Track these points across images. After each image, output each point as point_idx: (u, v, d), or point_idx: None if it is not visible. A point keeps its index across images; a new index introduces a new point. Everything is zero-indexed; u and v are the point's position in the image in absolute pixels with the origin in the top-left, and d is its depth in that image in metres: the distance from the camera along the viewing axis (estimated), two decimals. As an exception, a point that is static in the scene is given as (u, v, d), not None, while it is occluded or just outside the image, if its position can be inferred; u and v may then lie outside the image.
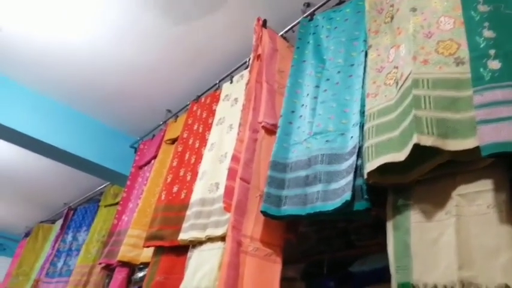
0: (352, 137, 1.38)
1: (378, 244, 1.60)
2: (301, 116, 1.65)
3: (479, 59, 1.04)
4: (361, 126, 1.34)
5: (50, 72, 3.09)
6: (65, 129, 3.35)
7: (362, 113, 1.36)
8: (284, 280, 1.55)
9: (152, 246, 2.21)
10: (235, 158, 1.72)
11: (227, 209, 1.64)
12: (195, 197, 2.07)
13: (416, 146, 1.05)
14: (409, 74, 1.18)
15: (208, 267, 1.71)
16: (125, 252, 2.48)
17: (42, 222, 5.59)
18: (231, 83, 2.50)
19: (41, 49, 2.89)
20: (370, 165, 1.17)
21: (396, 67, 1.30)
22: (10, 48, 2.92)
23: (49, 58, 2.96)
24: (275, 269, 1.53)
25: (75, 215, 4.45)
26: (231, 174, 1.69)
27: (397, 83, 1.27)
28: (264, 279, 1.50)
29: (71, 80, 3.14)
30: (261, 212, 1.49)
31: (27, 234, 5.99)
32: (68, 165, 3.61)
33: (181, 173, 2.39)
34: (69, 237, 4.18)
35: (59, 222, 4.81)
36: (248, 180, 1.62)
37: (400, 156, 1.12)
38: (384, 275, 1.46)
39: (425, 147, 1.04)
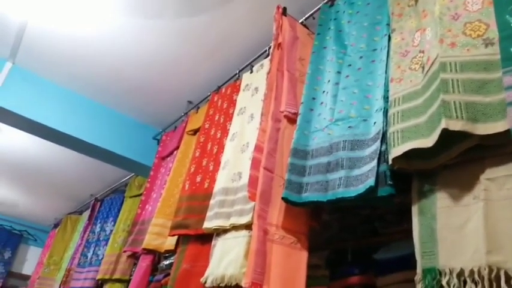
0: (375, 122, 1.36)
1: (402, 231, 1.58)
2: (322, 102, 1.63)
3: (510, 39, 1.00)
4: (385, 112, 1.31)
5: (75, 68, 3.15)
6: (91, 123, 3.42)
7: (385, 98, 1.34)
8: (308, 267, 1.55)
9: (178, 234, 2.25)
10: (258, 148, 1.72)
11: (252, 198, 1.64)
12: (218, 186, 2.09)
13: (445, 131, 1.02)
14: (436, 58, 1.15)
15: (234, 254, 1.72)
16: (150, 240, 2.52)
17: (70, 213, 5.74)
18: (251, 72, 2.49)
19: (65, 45, 2.94)
20: (396, 151, 1.15)
21: (422, 51, 1.27)
22: (37, 45, 2.98)
23: (74, 54, 3.01)
24: (301, 256, 1.54)
25: (102, 206, 4.54)
26: (255, 163, 1.69)
27: (423, 68, 1.23)
28: (291, 267, 1.50)
29: (95, 74, 3.19)
30: (282, 198, 1.49)
31: (56, 225, 6.18)
32: (93, 158, 3.69)
33: (204, 163, 2.41)
34: (97, 228, 4.28)
35: (86, 214, 4.92)
36: (272, 169, 1.61)
37: (428, 142, 1.09)
38: (409, 262, 1.45)
39: (453, 132, 1.02)
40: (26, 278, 6.84)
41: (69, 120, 3.30)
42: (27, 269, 7.09)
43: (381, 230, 1.68)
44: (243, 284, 1.44)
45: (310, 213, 1.62)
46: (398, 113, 1.21)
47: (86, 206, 5.36)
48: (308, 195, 1.44)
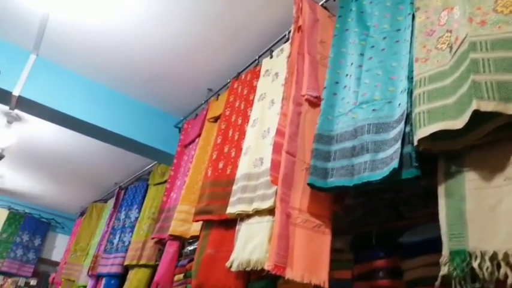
0: (399, 104, 1.33)
1: (428, 214, 1.55)
2: (345, 86, 1.61)
3: (543, 13, 0.95)
4: (409, 93, 1.28)
5: (96, 58, 3.19)
6: (113, 112, 3.47)
7: (410, 79, 1.30)
8: (332, 251, 1.55)
9: (201, 220, 2.27)
10: (279, 132, 1.71)
11: (274, 182, 1.64)
12: (240, 172, 2.10)
13: (476, 112, 0.99)
14: (465, 38, 1.11)
15: (259, 239, 1.73)
16: (176, 226, 2.56)
17: (95, 201, 5.88)
18: (271, 57, 2.47)
19: (87, 36, 2.98)
20: (422, 132, 1.12)
21: (449, 31, 1.23)
22: (59, 37, 3.02)
23: (95, 44, 3.04)
24: (325, 239, 1.54)
25: (126, 194, 4.63)
26: (277, 148, 1.68)
27: (451, 48, 1.20)
28: (314, 250, 1.51)
29: (116, 64, 3.23)
30: (308, 184, 1.48)
31: (82, 214, 6.34)
32: (117, 147, 3.75)
33: (226, 150, 2.42)
34: (122, 215, 4.37)
35: (111, 201, 5.03)
36: (294, 153, 1.61)
37: (457, 123, 1.06)
38: (434, 245, 1.42)
39: (484, 113, 0.99)
40: (55, 264, 7.08)
41: (92, 110, 3.36)
42: (56, 255, 7.33)
43: (406, 213, 1.66)
44: (265, 267, 1.45)
45: (333, 198, 1.61)
46: (424, 93, 1.18)
47: (110, 194, 5.47)
48: (334, 181, 1.43)
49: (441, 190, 1.15)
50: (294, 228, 1.51)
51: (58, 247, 7.46)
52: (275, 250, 1.44)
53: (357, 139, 1.42)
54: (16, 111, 3.60)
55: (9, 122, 4.11)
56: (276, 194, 1.70)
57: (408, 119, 1.24)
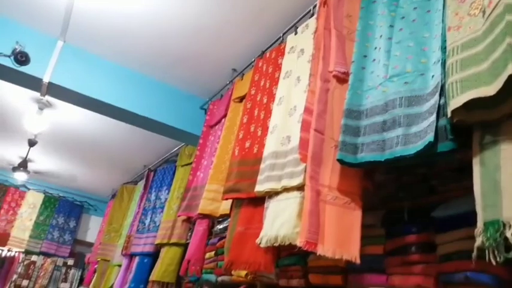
0: (433, 76, 1.29)
1: (462, 188, 1.52)
2: (374, 59, 1.57)
3: None
4: (443, 63, 1.24)
5: (122, 42, 3.22)
6: (140, 95, 3.52)
7: (443, 49, 1.26)
8: (363, 227, 1.54)
9: (230, 198, 2.31)
10: (307, 110, 1.69)
11: (303, 160, 1.64)
12: (267, 150, 2.11)
13: (511, 78, 0.95)
14: (499, 0, 1.06)
15: (286, 215, 1.75)
16: (205, 205, 2.60)
17: (125, 184, 6.02)
18: (295, 34, 2.43)
19: (111, 20, 3.00)
20: (455, 102, 1.08)
21: (483, -5, 1.17)
22: (84, 22, 3.06)
23: (120, 28, 3.07)
24: (355, 216, 1.53)
25: (156, 176, 4.73)
26: (305, 125, 1.67)
27: (483, 12, 1.14)
28: (344, 226, 1.51)
29: (141, 47, 3.25)
30: (337, 160, 1.47)
31: (113, 196, 6.53)
32: (145, 129, 3.81)
33: (252, 129, 2.42)
34: (153, 197, 4.47)
35: (141, 183, 5.15)
36: (322, 131, 1.60)
37: (490, 90, 1.02)
38: (469, 219, 1.40)
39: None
40: (89, 244, 7.36)
41: (119, 94, 3.41)
42: (90, 236, 7.60)
43: (438, 188, 1.63)
44: (297, 243, 1.46)
45: (364, 174, 1.60)
46: (456, 62, 1.14)
47: (140, 176, 5.59)
48: (364, 156, 1.41)
49: (476, 161, 1.12)
50: (324, 206, 1.51)
51: (92, 228, 7.73)
52: (306, 227, 1.45)
53: (387, 113, 1.39)
54: (47, 97, 3.70)
55: (41, 109, 4.22)
56: (304, 171, 1.70)
57: (442, 90, 1.20)
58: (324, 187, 1.54)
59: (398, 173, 1.76)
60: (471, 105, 1.09)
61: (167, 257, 3.66)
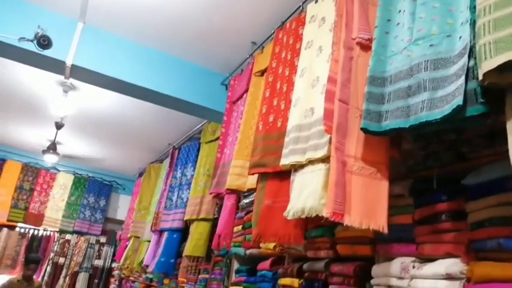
0: (460, 37, 1.25)
1: (494, 154, 1.49)
2: (398, 23, 1.52)
3: None
4: (472, 24, 1.19)
5: (140, 21, 3.22)
6: (161, 74, 3.53)
7: (472, 8, 1.21)
8: (391, 197, 1.54)
9: (256, 173, 2.33)
10: (331, 80, 1.67)
11: (328, 131, 1.64)
12: (291, 124, 2.10)
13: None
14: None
15: (312, 187, 1.76)
16: (232, 181, 2.64)
17: (151, 162, 6.16)
18: (315, 2, 2.37)
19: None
20: (488, 65, 1.04)
21: None
22: (104, 3, 3.07)
23: (137, 7, 3.06)
24: (382, 186, 1.53)
25: (180, 154, 4.81)
26: (329, 96, 1.66)
27: (517, -34, 1.08)
28: (371, 197, 1.51)
29: (160, 25, 3.24)
30: (361, 129, 1.46)
31: (140, 174, 6.69)
32: (167, 108, 3.84)
33: (275, 103, 2.42)
34: (179, 174, 4.56)
35: (167, 161, 5.25)
36: (347, 101, 1.58)
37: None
38: (503, 184, 1.37)
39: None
40: (120, 222, 7.61)
41: (141, 73, 3.44)
42: (120, 214, 7.85)
43: (468, 154, 1.60)
44: (324, 214, 1.48)
45: (390, 143, 1.59)
46: (489, 22, 1.09)
47: (165, 154, 5.70)
48: (389, 123, 1.39)
49: (509, 125, 1.09)
50: (350, 176, 1.51)
51: (121, 207, 7.97)
52: (332, 198, 1.45)
53: (412, 78, 1.35)
54: (71, 80, 3.77)
55: (65, 92, 4.31)
56: (329, 143, 1.70)
57: (472, 52, 1.16)
58: (349, 158, 1.53)
59: (426, 141, 1.74)
60: (505, 67, 1.05)
61: (197, 232, 3.77)
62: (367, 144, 1.54)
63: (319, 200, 1.67)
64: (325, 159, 1.73)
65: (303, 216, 1.76)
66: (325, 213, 1.46)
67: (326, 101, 1.66)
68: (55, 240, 7.45)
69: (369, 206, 1.51)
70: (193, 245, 3.76)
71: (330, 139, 1.66)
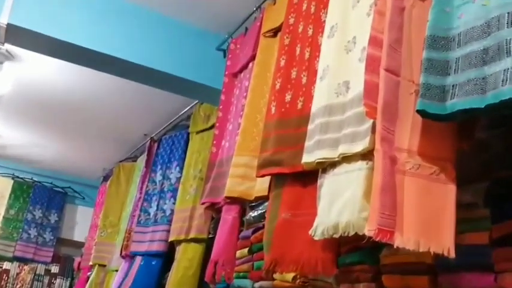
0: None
1: None
2: (469, -41, 1.51)
3: None
4: None
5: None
6: (134, 37, 3.55)
7: None
8: (458, 207, 1.53)
9: (268, 174, 2.34)
10: (374, 40, 1.66)
11: (370, 114, 1.63)
12: (317, 104, 2.10)
13: None
14: None
15: (349, 195, 1.76)
16: (233, 186, 2.66)
17: (121, 161, 6.21)
18: None
19: None
20: None
21: None
22: None
23: None
24: (447, 191, 1.53)
25: (161, 148, 4.84)
26: (371, 64, 1.65)
27: None
28: (432, 206, 1.51)
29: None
30: (417, 111, 1.45)
31: (106, 178, 6.75)
32: (142, 84, 3.85)
33: (293, 75, 2.42)
34: (158, 176, 4.59)
35: (142, 159, 5.28)
36: (397, 71, 1.57)
37: None
38: None
39: None
40: (78, 245, 7.69)
41: (102, 35, 3.45)
42: (79, 234, 7.91)
43: None
44: (366, 232, 1.47)
45: (458, 130, 1.58)
46: None
47: (140, 149, 5.73)
48: (456, 102, 1.38)
49: None
50: (402, 178, 1.51)
51: (80, 223, 8.05)
52: (378, 209, 1.45)
53: (490, 37, 1.34)
54: (6, 46, 3.78)
55: (0, 62, 4.33)
56: (372, 131, 1.70)
57: None
58: (401, 152, 1.53)
59: (507, 128, 1.73)
60: None
61: (185, 258, 3.79)
62: (425, 132, 1.54)
63: (358, 212, 1.67)
64: (367, 155, 1.72)
65: (337, 236, 1.75)
66: (368, 231, 1.46)
67: (367, 71, 1.65)
68: (-12, 270, 7.54)
69: (428, 220, 1.51)
70: (181, 276, 3.78)
71: (373, 125, 1.65)
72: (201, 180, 3.77)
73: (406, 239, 1.46)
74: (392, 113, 1.55)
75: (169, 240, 4.06)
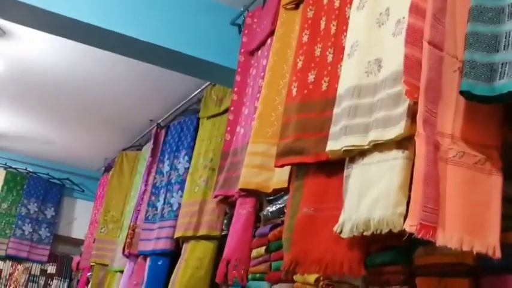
0: None
1: None
2: None
3: None
4: None
5: None
6: (139, 11, 3.54)
7: None
8: (505, 200, 1.52)
9: (288, 164, 2.33)
10: (415, 9, 1.63)
11: (411, 93, 1.59)
12: (344, 85, 2.07)
13: None
14: None
15: (382, 188, 1.73)
16: (249, 176, 2.66)
17: (124, 149, 6.22)
18: None
19: None
20: None
21: None
22: None
23: None
24: (493, 182, 1.52)
25: (168, 135, 4.85)
26: (412, 35, 1.61)
27: None
28: (477, 200, 1.49)
29: None
30: (461, 92, 1.43)
31: (107, 168, 6.78)
32: (147, 62, 3.86)
33: (317, 52, 2.40)
34: (166, 167, 4.59)
35: (147, 148, 5.30)
36: (441, 44, 1.55)
37: None
38: None
39: None
40: (77, 242, 7.76)
41: (106, 9, 3.44)
42: (77, 230, 7.98)
43: None
44: (407, 228, 1.44)
45: (505, 115, 1.57)
46: None
47: (145, 137, 5.75)
48: (506, 83, 1.35)
49: None
50: (444, 166, 1.49)
51: (79, 219, 8.12)
52: (420, 202, 1.42)
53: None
54: (-1, 21, 3.79)
55: (-9, 40, 4.35)
56: (407, 114, 1.67)
57: None
58: (444, 137, 1.51)
59: None
60: None
61: (194, 257, 3.79)
62: (470, 116, 1.52)
63: (393, 207, 1.64)
64: (403, 142, 1.70)
65: (368, 233, 1.73)
66: (409, 226, 1.43)
67: (407, 43, 1.61)
68: (-21, 270, 7.61)
69: (472, 216, 1.49)
70: (189, 276, 3.78)
71: (409, 108, 1.63)
72: (212, 170, 3.80)
73: (449, 236, 1.44)
74: (435, 93, 1.54)
75: (174, 237, 4.08)
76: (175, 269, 3.95)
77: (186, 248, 3.93)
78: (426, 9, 1.60)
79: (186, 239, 3.96)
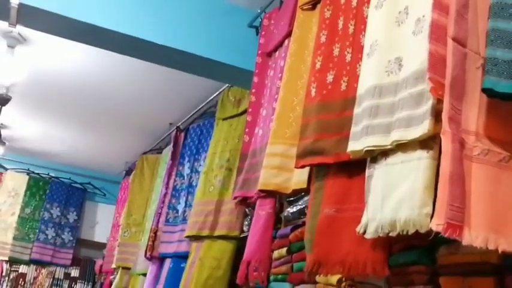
0: None
1: None
2: None
3: None
4: None
5: None
6: (155, 15, 3.54)
7: None
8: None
9: (308, 165, 2.31)
10: (438, 5, 1.62)
11: (436, 90, 1.57)
12: (364, 85, 2.06)
13: None
14: None
15: (407, 188, 1.71)
16: (268, 178, 2.65)
17: (145, 153, 6.24)
18: None
19: None
20: None
21: None
22: None
23: None
24: (518, 181, 1.50)
25: (188, 138, 4.86)
26: (435, 32, 1.60)
27: None
28: (502, 198, 1.48)
29: None
30: (483, 90, 1.42)
31: (128, 172, 6.80)
32: (167, 67, 3.86)
33: (336, 52, 2.39)
34: (186, 169, 4.60)
35: (168, 151, 5.31)
36: (464, 41, 1.53)
37: None
38: None
39: None
40: (99, 246, 7.78)
41: (125, 14, 3.45)
42: (100, 234, 8.00)
43: None
44: (433, 227, 1.43)
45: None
46: None
47: (165, 140, 5.76)
48: (530, 80, 1.34)
49: None
50: (469, 164, 1.48)
51: (101, 222, 8.15)
52: (447, 200, 1.41)
53: None
54: (19, 28, 3.79)
55: (11, 46, 4.35)
56: (431, 113, 1.64)
57: None
58: (469, 135, 1.50)
59: None
60: None
61: (210, 257, 3.78)
62: (494, 113, 1.51)
63: (419, 208, 1.62)
64: (427, 142, 1.68)
65: (393, 234, 1.72)
66: (436, 225, 1.41)
67: (431, 40, 1.60)
68: (3, 274, 7.64)
69: (497, 214, 1.48)
70: (207, 277, 3.75)
71: (433, 107, 1.61)
72: (229, 170, 3.81)
73: (474, 235, 1.43)
74: (459, 90, 1.53)
75: (185, 235, 4.07)
76: (187, 268, 3.96)
77: (199, 247, 3.92)
78: (449, 6, 1.58)
79: (199, 238, 3.95)
